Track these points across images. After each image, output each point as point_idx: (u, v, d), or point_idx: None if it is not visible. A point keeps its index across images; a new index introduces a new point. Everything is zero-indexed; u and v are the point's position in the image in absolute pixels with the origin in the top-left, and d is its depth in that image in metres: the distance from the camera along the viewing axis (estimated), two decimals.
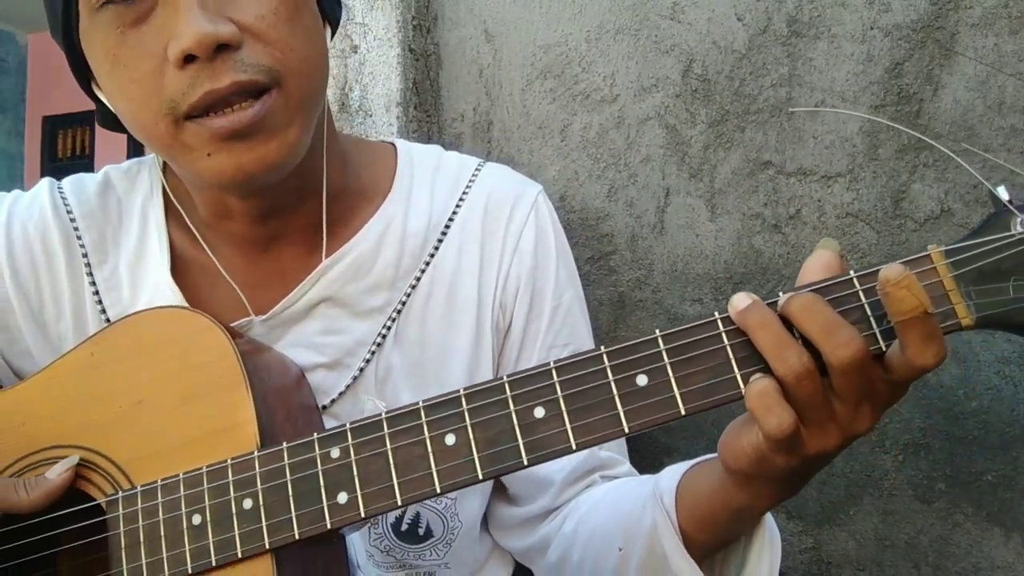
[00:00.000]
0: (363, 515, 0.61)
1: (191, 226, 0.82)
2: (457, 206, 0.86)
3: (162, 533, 0.65)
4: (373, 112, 1.19)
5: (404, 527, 0.84)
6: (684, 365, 0.58)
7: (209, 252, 0.81)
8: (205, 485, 0.65)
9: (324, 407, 0.81)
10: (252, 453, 0.64)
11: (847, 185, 0.97)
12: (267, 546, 0.62)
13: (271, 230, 0.80)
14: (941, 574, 0.95)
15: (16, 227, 0.82)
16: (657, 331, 0.58)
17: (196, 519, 0.64)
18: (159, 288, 0.80)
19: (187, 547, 0.64)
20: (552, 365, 0.60)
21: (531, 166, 1.15)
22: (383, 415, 0.62)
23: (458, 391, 0.61)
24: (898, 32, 0.93)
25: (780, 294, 0.57)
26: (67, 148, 5.91)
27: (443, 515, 0.84)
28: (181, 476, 0.65)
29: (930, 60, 0.92)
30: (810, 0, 0.97)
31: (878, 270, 0.54)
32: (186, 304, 0.79)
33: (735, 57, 1.02)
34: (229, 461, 0.65)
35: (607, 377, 0.58)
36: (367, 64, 1.20)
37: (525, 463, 0.59)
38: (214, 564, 0.63)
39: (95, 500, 0.68)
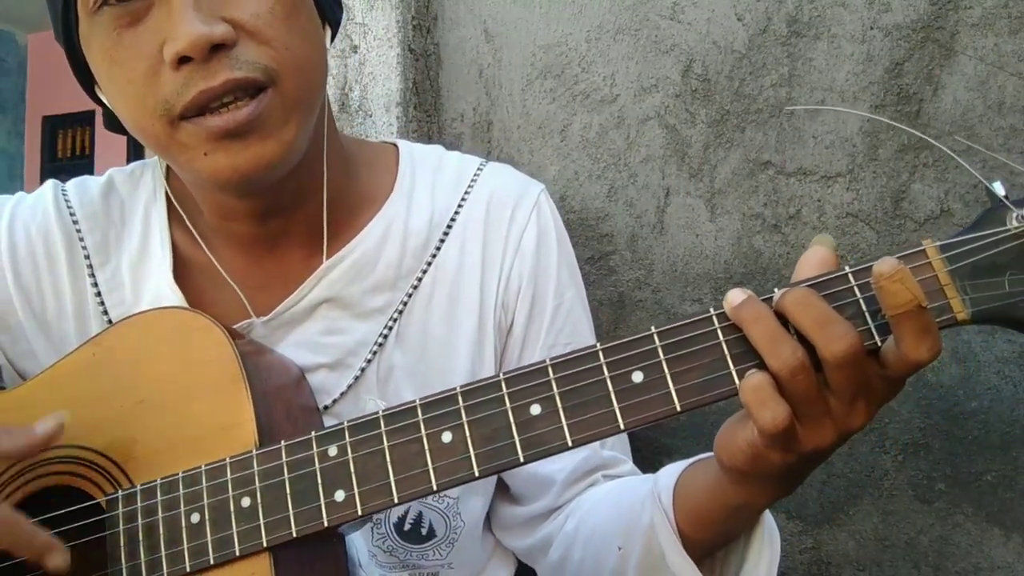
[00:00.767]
0: (360, 513, 0.61)
1: (193, 228, 0.82)
2: (459, 206, 0.86)
3: (161, 532, 0.65)
4: (373, 112, 1.19)
5: (407, 527, 0.84)
6: (679, 361, 0.57)
7: (210, 254, 0.81)
8: (204, 484, 0.65)
9: (326, 407, 0.81)
10: (250, 452, 0.65)
11: (847, 185, 0.97)
12: (265, 544, 0.62)
13: (272, 231, 0.80)
14: (941, 574, 0.95)
15: (19, 228, 0.82)
16: (653, 327, 0.58)
17: (194, 517, 0.64)
18: (161, 290, 0.80)
19: (185, 545, 0.64)
20: (548, 362, 0.60)
21: (531, 166, 1.15)
22: (380, 413, 0.62)
23: (454, 389, 0.61)
24: (898, 32, 0.93)
25: (775, 290, 0.57)
26: (67, 148, 5.92)
27: (446, 515, 0.84)
28: (180, 475, 0.66)
29: (930, 60, 0.92)
30: (810, 0, 0.97)
31: (872, 265, 0.53)
32: (187, 305, 0.79)
33: (735, 57, 1.02)
34: (227, 460, 0.65)
35: (603, 374, 0.58)
36: (367, 64, 1.20)
37: (521, 460, 0.59)
38: (212, 562, 0.63)
39: (95, 499, 0.68)
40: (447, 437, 0.60)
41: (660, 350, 0.58)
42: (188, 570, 0.64)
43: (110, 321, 0.80)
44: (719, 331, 0.57)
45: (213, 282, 0.81)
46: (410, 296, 0.83)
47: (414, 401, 0.62)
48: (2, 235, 0.82)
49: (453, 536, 0.85)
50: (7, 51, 5.87)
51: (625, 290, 1.10)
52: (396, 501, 0.61)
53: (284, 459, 0.64)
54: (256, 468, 0.64)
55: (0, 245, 0.81)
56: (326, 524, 0.62)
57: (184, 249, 0.83)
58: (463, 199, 0.86)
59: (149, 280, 0.81)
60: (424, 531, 0.84)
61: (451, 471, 0.60)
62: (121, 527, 0.66)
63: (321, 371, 0.81)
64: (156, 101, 0.67)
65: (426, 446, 0.61)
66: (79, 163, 5.67)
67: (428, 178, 0.87)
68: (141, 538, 0.65)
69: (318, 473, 0.63)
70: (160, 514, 0.65)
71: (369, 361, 0.81)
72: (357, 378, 0.81)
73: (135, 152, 4.65)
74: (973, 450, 0.92)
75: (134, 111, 0.70)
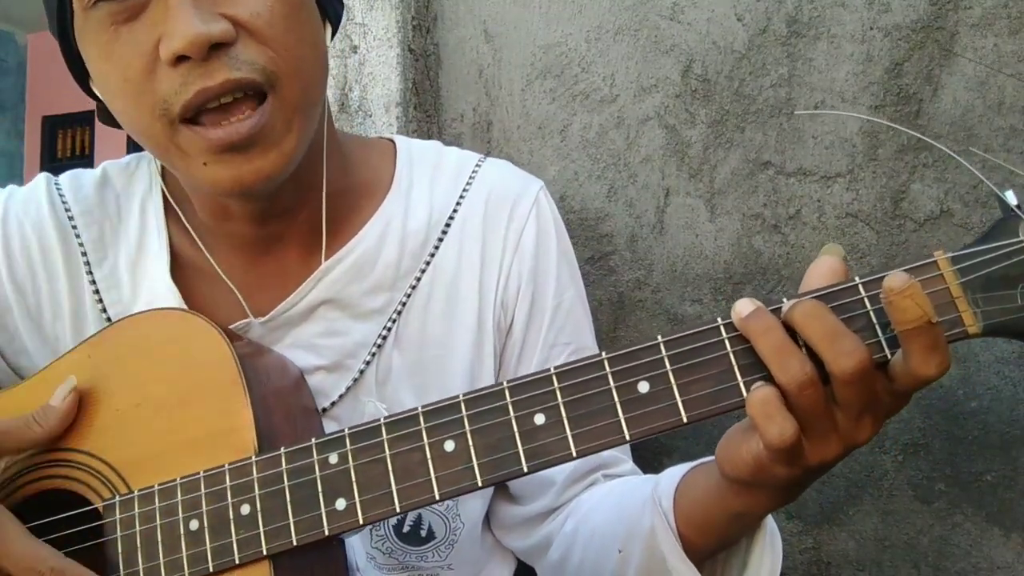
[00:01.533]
0: (361, 522, 0.60)
1: (189, 226, 0.81)
2: (457, 204, 0.85)
3: (159, 538, 0.64)
4: (373, 112, 1.19)
5: (406, 529, 0.84)
6: (686, 372, 0.57)
7: (207, 254, 0.80)
8: (202, 490, 0.64)
9: (324, 410, 0.80)
10: (250, 458, 0.64)
11: (847, 185, 0.96)
12: (265, 552, 0.62)
13: (271, 231, 0.79)
14: (941, 574, 0.95)
15: (12, 224, 0.81)
16: (659, 336, 0.57)
17: (193, 524, 0.64)
18: (158, 289, 0.79)
19: (184, 552, 0.63)
20: (553, 371, 0.59)
21: (531, 166, 1.14)
22: (382, 421, 0.62)
23: (457, 397, 0.60)
24: (898, 32, 0.93)
25: (784, 300, 0.56)
26: (67, 148, 5.92)
27: (445, 516, 0.84)
28: (178, 481, 0.65)
29: (930, 60, 0.92)
30: (810, 0, 0.97)
31: (883, 277, 0.53)
32: (184, 306, 0.78)
33: (735, 57, 1.01)
34: (227, 466, 0.64)
35: (608, 384, 0.58)
36: (367, 64, 1.19)
37: (525, 470, 0.58)
38: (211, 570, 0.62)
39: (92, 504, 0.67)
40: (450, 446, 0.60)
41: (667, 360, 0.57)
42: None
43: (109, 319, 0.79)
44: (727, 341, 0.57)
45: (210, 282, 0.80)
46: (409, 296, 0.82)
47: (416, 409, 0.61)
48: None
49: (453, 537, 0.85)
50: (7, 51, 5.86)
51: (625, 290, 1.10)
52: (398, 510, 0.60)
53: (284, 466, 0.63)
54: (255, 475, 0.63)
55: None
56: (327, 533, 0.61)
57: (181, 247, 0.81)
58: (461, 196, 0.85)
59: (146, 278, 0.80)
60: (423, 533, 0.84)
61: (454, 480, 0.59)
62: (119, 533, 0.65)
63: (319, 373, 0.80)
64: (154, 100, 0.66)
65: (428, 455, 0.60)
66: (79, 163, 5.61)
67: (426, 175, 0.86)
68: (139, 545, 0.64)
69: (319, 481, 0.62)
70: (158, 520, 0.64)
71: (368, 363, 0.81)
72: (356, 380, 0.81)
73: (134, 151, 4.63)
74: (973, 450, 0.92)
75: (132, 110, 0.69)
